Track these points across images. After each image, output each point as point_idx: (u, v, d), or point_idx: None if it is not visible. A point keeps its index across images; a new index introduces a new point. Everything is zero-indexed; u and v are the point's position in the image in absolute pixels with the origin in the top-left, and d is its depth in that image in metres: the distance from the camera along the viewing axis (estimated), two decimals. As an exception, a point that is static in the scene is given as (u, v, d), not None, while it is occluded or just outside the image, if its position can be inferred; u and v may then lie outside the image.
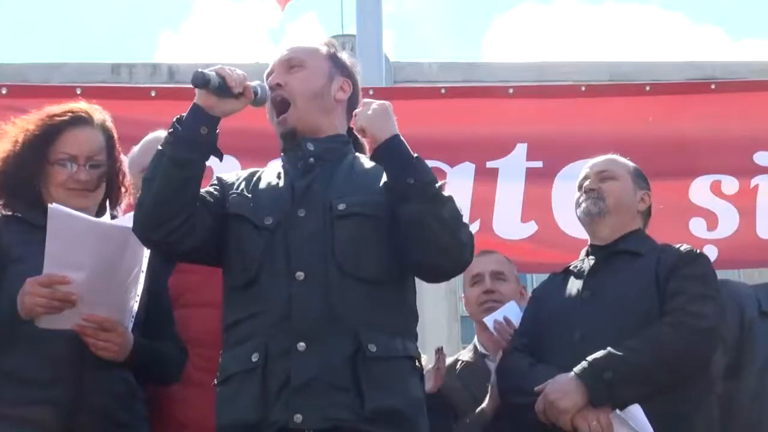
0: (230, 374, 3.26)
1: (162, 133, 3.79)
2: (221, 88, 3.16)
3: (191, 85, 3.20)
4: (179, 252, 3.32)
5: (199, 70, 3.15)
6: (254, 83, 3.27)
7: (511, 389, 4.06)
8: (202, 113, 3.16)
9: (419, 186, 3.21)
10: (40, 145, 3.51)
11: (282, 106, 3.32)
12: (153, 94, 5.56)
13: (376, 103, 3.30)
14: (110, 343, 3.33)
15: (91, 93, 4.69)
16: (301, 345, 3.13)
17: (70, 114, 3.56)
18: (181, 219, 3.19)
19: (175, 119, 3.21)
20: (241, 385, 3.21)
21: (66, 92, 4.64)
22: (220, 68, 3.20)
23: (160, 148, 3.23)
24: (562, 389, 3.73)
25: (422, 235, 3.22)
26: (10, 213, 3.56)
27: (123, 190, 3.77)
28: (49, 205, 3.34)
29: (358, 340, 3.26)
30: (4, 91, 4.93)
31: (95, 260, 3.36)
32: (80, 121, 3.56)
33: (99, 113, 3.61)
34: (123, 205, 3.84)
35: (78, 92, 4.76)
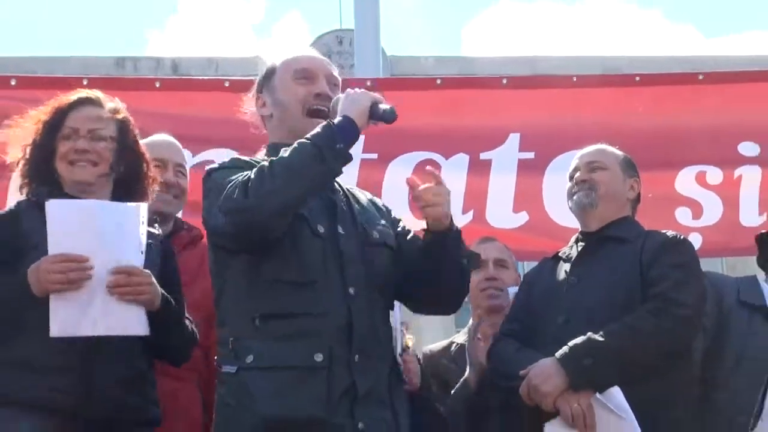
0: (284, 365, 3.33)
1: (162, 139, 4.38)
2: (388, 117, 3.37)
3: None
4: (270, 240, 3.38)
5: (380, 103, 3.32)
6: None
7: (498, 374, 4.14)
8: (357, 136, 3.34)
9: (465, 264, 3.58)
10: (52, 129, 3.61)
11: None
12: (158, 85, 5.62)
13: (444, 192, 3.47)
14: (143, 287, 3.38)
15: (97, 84, 4.70)
16: (356, 356, 3.30)
17: (77, 96, 3.68)
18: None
19: (335, 130, 3.30)
20: (301, 380, 3.31)
21: (73, 83, 4.59)
22: (380, 98, 3.36)
23: (315, 151, 3.28)
24: (544, 373, 3.82)
25: (448, 287, 3.55)
26: (34, 200, 3.63)
27: (148, 181, 3.86)
28: (46, 202, 3.42)
29: (393, 359, 3.54)
30: (13, 83, 5.06)
31: (99, 239, 3.43)
32: (87, 101, 3.66)
33: (111, 101, 3.70)
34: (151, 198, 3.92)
35: (84, 83, 4.77)
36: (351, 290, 3.37)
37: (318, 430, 3.29)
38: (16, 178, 3.93)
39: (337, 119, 3.30)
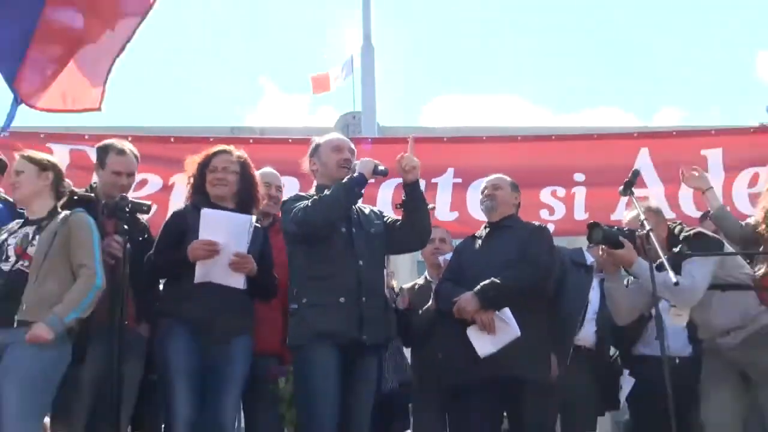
0: (324, 303, 4.30)
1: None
2: (383, 173, 4.50)
3: (359, 171, 4.35)
4: (320, 238, 4.38)
5: (378, 166, 4.44)
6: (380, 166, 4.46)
7: (441, 301, 5.04)
8: (366, 183, 4.43)
9: (425, 206, 4.62)
10: (203, 167, 4.64)
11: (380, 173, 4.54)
12: (251, 141, 6.99)
13: (410, 152, 4.51)
14: (249, 265, 4.37)
15: (220, 141, 5.50)
16: (364, 299, 4.32)
17: (218, 149, 4.74)
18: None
19: (356, 180, 4.35)
20: (330, 311, 4.27)
21: (214, 142, 5.38)
22: (379, 163, 4.48)
23: (344, 192, 4.33)
24: (467, 300, 4.70)
25: (420, 225, 4.63)
26: (192, 206, 4.61)
27: (257, 200, 4.74)
28: (202, 210, 4.37)
29: (385, 299, 4.57)
30: (172, 140, 6.47)
31: (226, 234, 4.32)
32: (223, 151, 4.70)
33: (237, 151, 4.73)
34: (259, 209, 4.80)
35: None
36: (360, 262, 4.41)
37: (340, 339, 4.29)
38: (179, 195, 5.23)
39: (356, 174, 4.39)
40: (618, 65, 61.06)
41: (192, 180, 4.64)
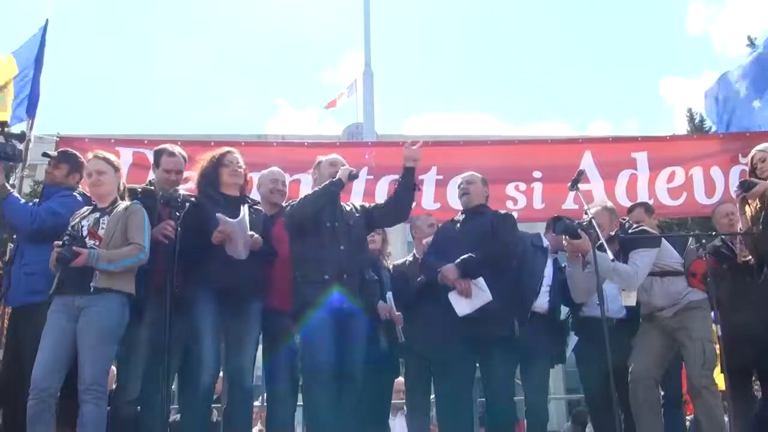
0: (313, 279, 4.40)
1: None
2: (353, 177, 4.60)
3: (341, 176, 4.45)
4: (307, 227, 4.49)
5: (353, 171, 4.54)
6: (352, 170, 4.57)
7: (427, 270, 5.04)
8: (343, 186, 4.56)
9: (414, 188, 4.65)
10: (218, 161, 4.68)
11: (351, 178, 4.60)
12: (275, 144, 7.26)
13: (417, 148, 4.56)
14: (258, 242, 4.44)
15: (248, 145, 6.20)
16: (345, 275, 4.42)
17: (227, 149, 4.78)
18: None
19: (335, 183, 4.47)
20: (318, 285, 4.38)
21: (232, 146, 5.22)
22: (354, 170, 4.58)
23: (325, 191, 4.49)
24: (450, 269, 4.76)
25: (402, 203, 4.67)
26: (208, 196, 4.60)
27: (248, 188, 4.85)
28: (217, 215, 4.33)
29: (363, 275, 4.67)
30: (212, 144, 5.88)
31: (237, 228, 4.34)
32: (230, 152, 4.77)
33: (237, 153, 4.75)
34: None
35: (212, 144, 5.83)
36: (342, 247, 4.48)
37: (327, 306, 4.34)
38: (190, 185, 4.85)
39: (335, 179, 4.53)
40: (559, 87, 62.71)
41: (206, 171, 4.66)
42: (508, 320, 4.86)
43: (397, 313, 5.16)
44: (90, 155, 4.47)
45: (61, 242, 4.01)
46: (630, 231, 4.88)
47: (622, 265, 4.57)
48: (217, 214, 4.27)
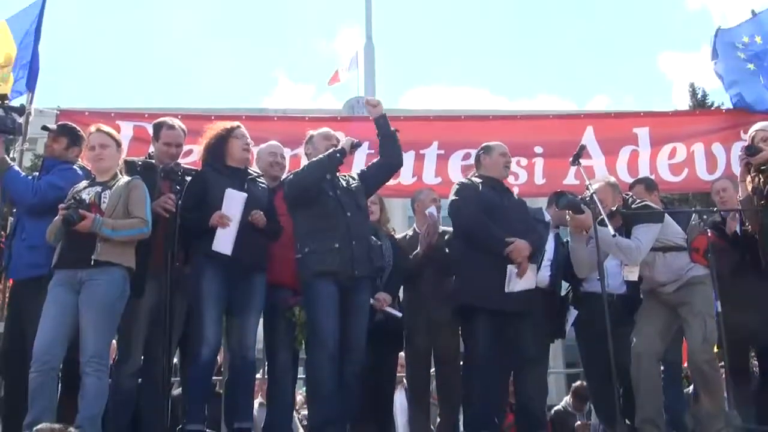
0: (323, 250, 4.35)
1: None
2: (356, 147, 4.60)
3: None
4: (310, 197, 4.45)
5: (355, 141, 4.52)
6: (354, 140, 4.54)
7: (488, 235, 4.66)
8: (345, 155, 4.53)
9: (393, 133, 4.65)
10: (226, 136, 4.67)
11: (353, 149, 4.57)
12: (275, 118, 7.20)
13: (374, 100, 4.65)
14: (262, 219, 4.47)
15: (250, 119, 6.28)
16: (353, 242, 4.39)
17: (238, 123, 4.80)
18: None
19: (338, 151, 4.45)
20: (330, 255, 4.34)
21: (206, 118, 5.54)
22: (356, 140, 4.55)
23: (327, 159, 4.43)
24: (526, 248, 4.63)
25: (393, 148, 4.68)
26: (213, 167, 4.63)
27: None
28: (227, 189, 4.40)
29: (370, 242, 4.61)
30: (213, 118, 5.73)
31: (238, 208, 4.40)
32: (240, 126, 4.77)
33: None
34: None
35: (212, 118, 5.71)
36: (348, 214, 4.46)
37: (339, 276, 4.33)
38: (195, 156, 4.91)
39: (338, 148, 4.51)
40: (560, 61, 62.61)
41: (214, 142, 4.63)
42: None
43: (384, 296, 5.03)
44: (93, 128, 4.43)
45: (66, 205, 3.99)
46: (633, 206, 4.86)
47: (624, 240, 4.55)
48: (228, 189, 4.28)
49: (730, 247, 4.99)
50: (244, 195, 4.37)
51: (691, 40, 64.19)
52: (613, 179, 5.14)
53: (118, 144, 4.41)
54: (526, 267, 4.59)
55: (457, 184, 4.97)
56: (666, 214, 4.90)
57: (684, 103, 18.96)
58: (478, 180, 4.88)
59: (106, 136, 4.36)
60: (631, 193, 5.22)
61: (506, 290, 4.56)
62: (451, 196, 4.85)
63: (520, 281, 4.59)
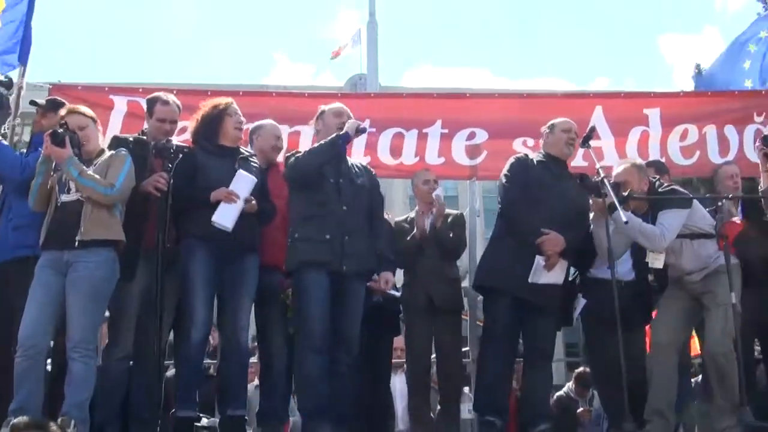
0: (313, 238, 4.27)
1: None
2: (361, 132, 4.49)
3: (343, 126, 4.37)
4: (310, 182, 4.35)
5: (361, 125, 4.44)
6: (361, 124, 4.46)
7: (525, 226, 4.61)
8: (350, 140, 4.46)
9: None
10: (221, 113, 4.54)
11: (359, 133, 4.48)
12: (273, 94, 6.92)
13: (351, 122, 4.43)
14: (255, 205, 4.37)
15: (248, 95, 6.10)
16: (346, 237, 4.27)
17: (230, 100, 4.66)
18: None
19: (342, 136, 4.35)
20: (319, 246, 4.25)
21: (227, 94, 5.19)
22: (362, 124, 4.47)
23: (331, 144, 4.33)
24: (560, 241, 4.56)
25: None
26: (202, 147, 4.51)
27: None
28: (238, 170, 4.34)
29: (366, 241, 4.43)
30: (209, 93, 5.55)
31: (245, 190, 4.32)
32: (233, 103, 4.64)
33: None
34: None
35: (209, 93, 5.54)
36: (344, 207, 4.34)
37: (326, 267, 4.24)
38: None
39: (342, 132, 4.40)
40: (561, 42, 62.39)
41: (208, 119, 4.53)
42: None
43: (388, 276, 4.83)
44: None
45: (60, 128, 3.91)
46: (660, 190, 4.70)
47: (648, 226, 4.41)
48: (240, 170, 4.23)
49: (760, 235, 4.83)
50: (255, 179, 4.30)
51: (691, 23, 63.89)
52: (639, 161, 4.99)
53: (94, 120, 4.26)
54: (555, 262, 4.50)
55: (513, 158, 4.89)
56: (695, 200, 4.75)
57: (685, 85, 18.79)
58: (536, 156, 4.81)
59: (81, 116, 4.19)
60: (657, 176, 5.04)
61: (530, 280, 4.49)
62: (504, 171, 4.79)
63: (546, 274, 4.51)
